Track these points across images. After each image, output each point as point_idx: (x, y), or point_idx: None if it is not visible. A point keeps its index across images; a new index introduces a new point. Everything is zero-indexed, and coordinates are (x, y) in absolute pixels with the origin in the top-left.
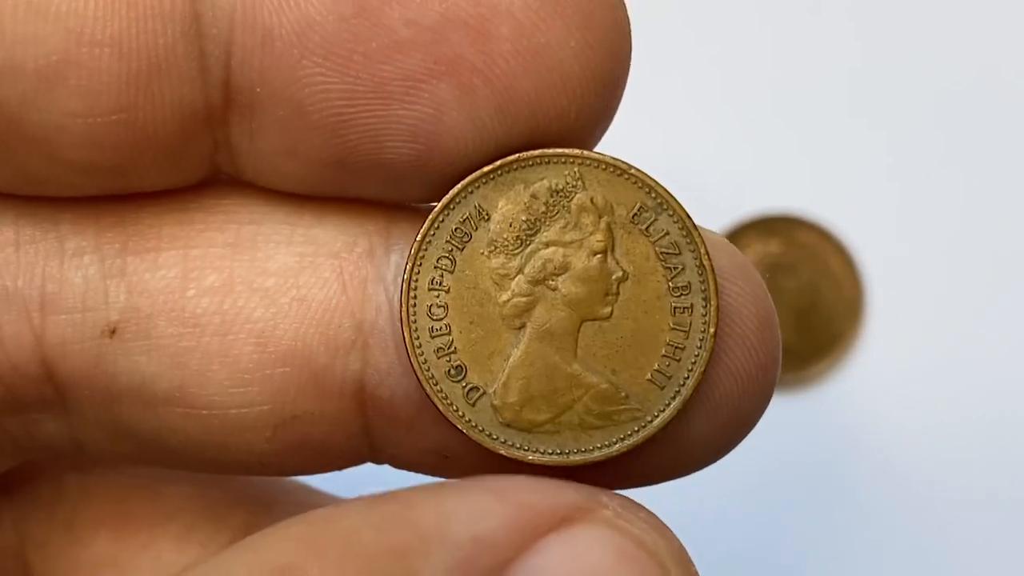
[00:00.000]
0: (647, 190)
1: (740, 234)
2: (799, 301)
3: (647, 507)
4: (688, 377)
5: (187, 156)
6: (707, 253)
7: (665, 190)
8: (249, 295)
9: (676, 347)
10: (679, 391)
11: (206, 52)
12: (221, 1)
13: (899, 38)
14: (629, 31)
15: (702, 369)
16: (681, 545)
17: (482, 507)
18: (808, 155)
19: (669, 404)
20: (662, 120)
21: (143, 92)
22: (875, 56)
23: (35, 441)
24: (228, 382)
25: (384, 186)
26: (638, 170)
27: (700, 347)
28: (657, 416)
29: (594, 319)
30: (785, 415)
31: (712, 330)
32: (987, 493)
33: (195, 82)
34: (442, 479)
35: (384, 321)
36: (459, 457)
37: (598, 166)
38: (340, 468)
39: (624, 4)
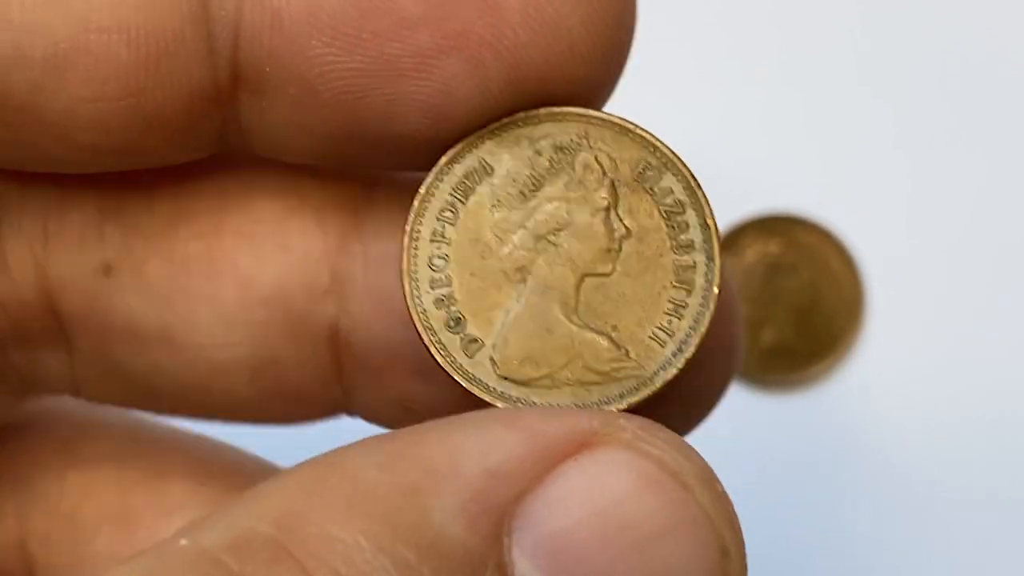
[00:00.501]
0: (652, 149)
1: (740, 234)
2: (799, 301)
3: None
4: (691, 334)
5: (196, 134)
6: (711, 212)
7: (670, 149)
8: (236, 240)
9: (678, 304)
10: (681, 348)
11: (214, 34)
12: None
13: (901, 36)
14: None
15: (705, 327)
16: (705, 464)
17: (493, 438)
18: (808, 155)
19: (671, 361)
20: (662, 120)
21: (152, 76)
22: (876, 55)
23: (38, 379)
24: (212, 323)
25: (394, 156)
26: (643, 129)
27: (703, 305)
28: (658, 373)
29: (596, 275)
30: (785, 415)
31: (716, 289)
32: (987, 493)
33: (204, 64)
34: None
35: (359, 270)
36: (424, 410)
37: (603, 124)
38: (316, 418)
39: None
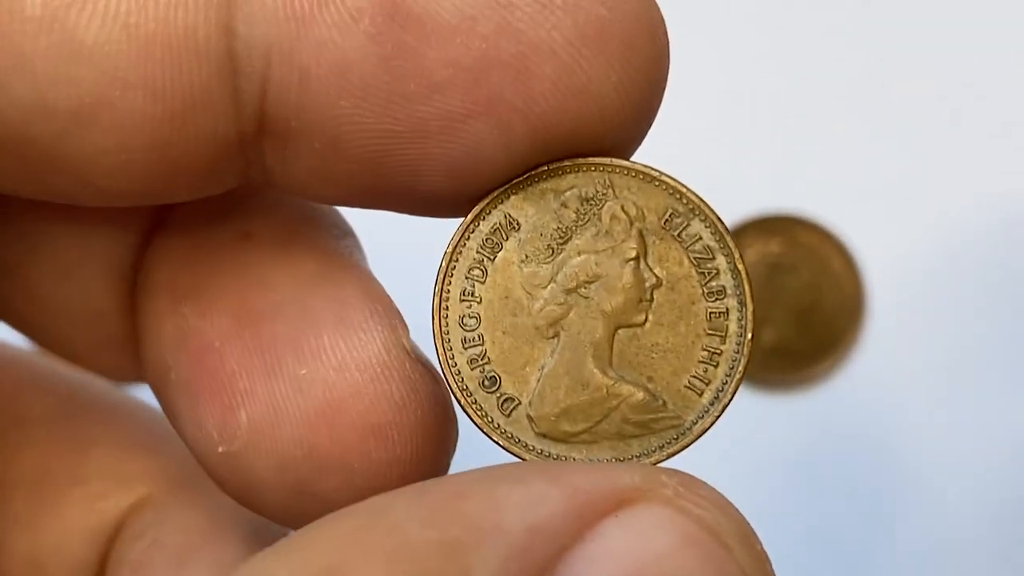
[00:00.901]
0: (678, 196)
1: (740, 234)
2: (799, 301)
3: None
4: (727, 382)
5: (218, 177)
6: (740, 257)
7: (696, 195)
8: None
9: (713, 352)
10: (718, 396)
11: (240, 88)
12: (257, 40)
13: (900, 39)
14: (668, 53)
15: (740, 374)
16: (744, 522)
17: (536, 493)
18: (808, 155)
19: (708, 410)
20: (661, 120)
21: (177, 129)
22: (876, 56)
23: None
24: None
25: (418, 207)
26: (668, 176)
27: (738, 352)
28: (696, 422)
29: (628, 326)
30: (785, 415)
31: (750, 335)
32: (988, 493)
33: (229, 116)
34: (492, 466)
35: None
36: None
37: (627, 173)
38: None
39: (665, 26)
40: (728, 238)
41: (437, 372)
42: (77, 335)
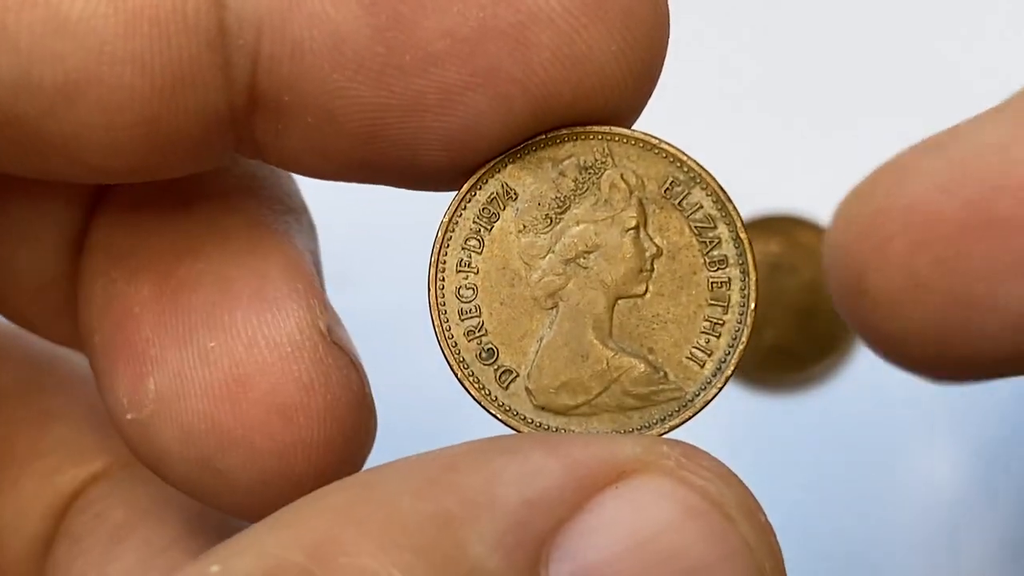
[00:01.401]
0: (678, 164)
1: None
2: (799, 301)
3: None
4: (730, 353)
5: (209, 152)
6: (743, 226)
7: (696, 163)
8: None
9: (715, 322)
10: (720, 367)
11: (231, 62)
12: (248, 12)
13: (901, 40)
14: (668, 21)
15: (743, 344)
16: (748, 493)
17: (533, 465)
18: (808, 155)
19: (710, 381)
20: (661, 120)
21: (167, 104)
22: (876, 56)
23: None
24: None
25: (414, 181)
26: (668, 144)
27: (741, 322)
28: (698, 394)
29: (628, 297)
30: (785, 415)
31: (753, 305)
32: (988, 492)
33: (219, 91)
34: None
35: None
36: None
37: (627, 141)
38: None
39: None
40: (730, 206)
41: (356, 358)
42: (31, 302)
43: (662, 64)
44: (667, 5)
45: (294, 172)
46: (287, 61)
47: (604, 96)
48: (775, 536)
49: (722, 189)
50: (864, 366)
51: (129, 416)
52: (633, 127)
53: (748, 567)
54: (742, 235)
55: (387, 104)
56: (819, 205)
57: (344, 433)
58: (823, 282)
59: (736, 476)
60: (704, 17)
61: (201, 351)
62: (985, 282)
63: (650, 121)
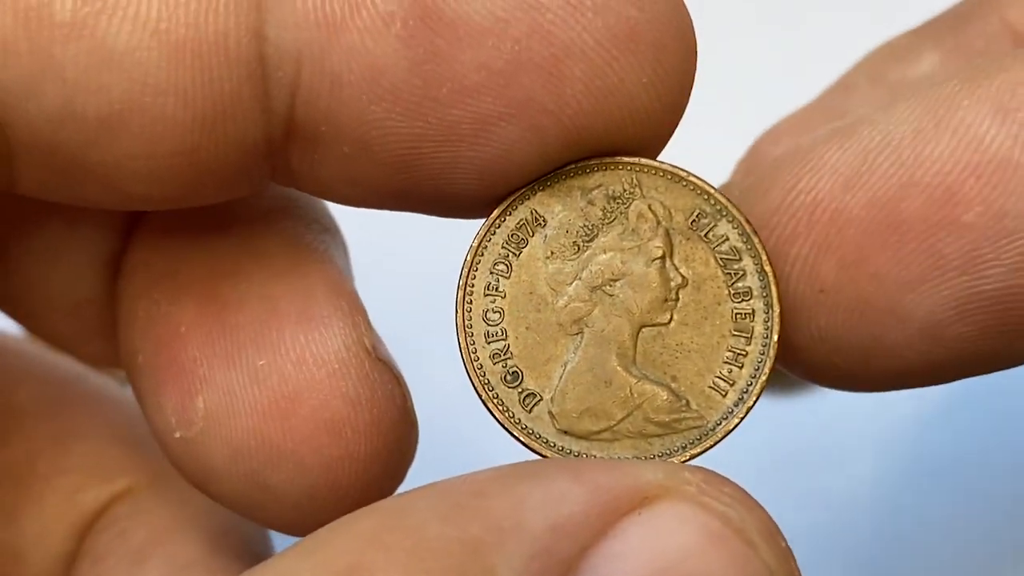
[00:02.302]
0: (705, 196)
1: None
2: None
3: None
4: (752, 384)
5: (246, 181)
6: (768, 259)
7: (724, 196)
8: None
9: (738, 353)
10: (742, 397)
11: (271, 94)
12: (287, 45)
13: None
14: (695, 52)
15: (766, 375)
16: (769, 518)
17: (558, 491)
18: None
19: (732, 411)
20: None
21: (207, 135)
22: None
23: None
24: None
25: (446, 210)
26: (696, 176)
27: (763, 353)
28: (720, 423)
29: (653, 325)
30: (785, 415)
31: (775, 337)
32: (988, 492)
33: (258, 121)
34: (515, 464)
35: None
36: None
37: (655, 172)
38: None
39: (692, 26)
40: (756, 239)
41: (398, 373)
42: (64, 322)
43: (689, 94)
44: (695, 38)
45: (327, 200)
46: (325, 93)
47: (634, 126)
48: (795, 561)
49: (748, 222)
50: None
51: (177, 434)
52: (677, 166)
53: None
54: (767, 268)
55: (423, 135)
56: None
57: (389, 447)
58: None
59: (756, 501)
60: (706, 16)
61: (250, 369)
62: (892, 290)
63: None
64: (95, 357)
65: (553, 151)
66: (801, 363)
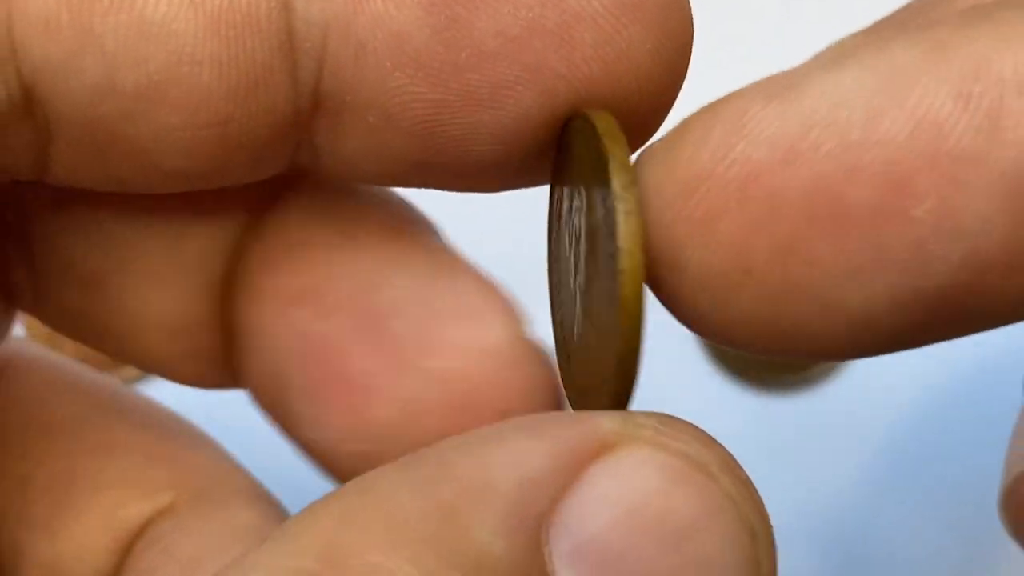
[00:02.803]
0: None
1: None
2: None
3: None
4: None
5: (273, 157)
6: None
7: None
8: None
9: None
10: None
11: (299, 64)
12: (315, 15)
13: None
14: (692, 19)
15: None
16: (726, 452)
17: (520, 449)
18: None
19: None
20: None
21: (240, 106)
22: None
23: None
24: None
25: (463, 181)
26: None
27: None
28: None
29: None
30: (785, 415)
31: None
32: (988, 492)
33: (288, 93)
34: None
35: None
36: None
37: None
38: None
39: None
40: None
41: (547, 353)
42: (165, 346)
43: (688, 62)
44: (690, 6)
45: (348, 179)
46: (351, 62)
47: (639, 91)
48: (756, 490)
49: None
50: (864, 366)
51: (351, 448)
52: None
53: (735, 520)
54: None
55: (443, 100)
56: None
57: None
58: None
59: (712, 438)
60: (706, 16)
61: (422, 373)
62: (826, 279)
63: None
64: (194, 378)
65: (564, 115)
66: (716, 334)
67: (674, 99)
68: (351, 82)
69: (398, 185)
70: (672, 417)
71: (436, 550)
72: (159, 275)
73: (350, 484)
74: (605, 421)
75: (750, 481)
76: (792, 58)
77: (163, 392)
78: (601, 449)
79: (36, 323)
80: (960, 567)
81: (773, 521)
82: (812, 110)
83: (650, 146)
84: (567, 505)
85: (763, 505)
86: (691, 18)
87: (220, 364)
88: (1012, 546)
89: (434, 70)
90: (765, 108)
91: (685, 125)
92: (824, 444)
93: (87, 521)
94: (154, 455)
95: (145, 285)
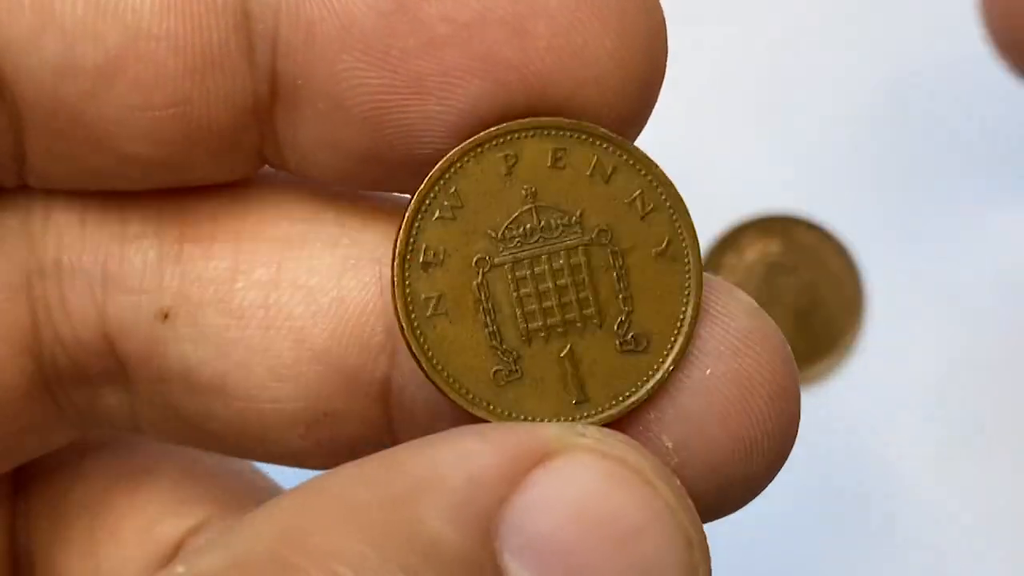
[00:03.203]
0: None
1: (740, 234)
2: (799, 301)
3: None
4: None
5: (238, 149)
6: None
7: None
8: (293, 292)
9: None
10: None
11: (254, 46)
12: None
13: (899, 39)
14: (665, 35)
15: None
16: (661, 463)
17: (469, 449)
18: (808, 155)
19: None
20: (661, 119)
21: (198, 85)
22: (875, 56)
23: (97, 414)
24: (266, 376)
25: (416, 180)
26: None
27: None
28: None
29: None
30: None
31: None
32: (988, 492)
33: (245, 75)
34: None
35: None
36: None
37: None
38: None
39: (660, 9)
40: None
41: None
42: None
43: (661, 77)
44: (662, 18)
45: (309, 176)
46: (301, 44)
47: (601, 95)
48: (690, 500)
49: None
50: (863, 366)
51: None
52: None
53: (673, 526)
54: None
55: (391, 86)
56: (818, 205)
57: None
58: (822, 282)
59: (647, 450)
60: (706, 15)
61: None
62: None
63: (651, 120)
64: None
65: (518, 112)
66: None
67: (646, 107)
68: (303, 65)
69: (354, 184)
70: (608, 430)
71: (391, 536)
72: (284, 370)
73: (306, 483)
74: (547, 429)
75: (684, 490)
76: (790, 71)
77: None
78: (544, 455)
79: None
80: (970, 558)
81: (773, 520)
82: None
83: None
84: (515, 504)
85: (698, 517)
86: (661, 28)
87: (364, 449)
88: (1011, 542)
89: (381, 54)
90: None
91: None
92: (823, 444)
93: (124, 539)
94: (186, 474)
95: (270, 382)
